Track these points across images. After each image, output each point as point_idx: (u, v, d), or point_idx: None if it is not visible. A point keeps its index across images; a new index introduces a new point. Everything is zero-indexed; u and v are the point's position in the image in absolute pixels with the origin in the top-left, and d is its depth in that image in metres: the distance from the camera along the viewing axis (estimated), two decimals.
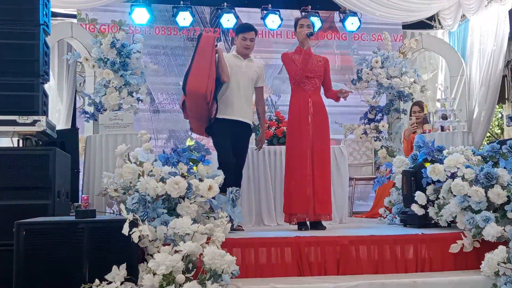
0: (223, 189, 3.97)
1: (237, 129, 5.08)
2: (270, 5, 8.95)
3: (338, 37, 9.67)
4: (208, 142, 5.29)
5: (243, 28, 5.26)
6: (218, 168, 4.51)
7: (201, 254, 3.23)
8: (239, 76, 5.13)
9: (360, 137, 8.05)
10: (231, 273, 3.27)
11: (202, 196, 3.69)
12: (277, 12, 8.95)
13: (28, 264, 3.20)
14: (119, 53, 6.56)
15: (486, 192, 4.00)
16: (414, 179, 4.79)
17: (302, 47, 5.15)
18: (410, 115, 7.28)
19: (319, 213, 5.02)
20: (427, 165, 4.65)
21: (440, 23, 9.70)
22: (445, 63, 9.39)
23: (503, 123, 10.13)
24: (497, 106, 9.35)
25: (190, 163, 4.00)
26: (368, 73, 8.08)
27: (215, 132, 5.05)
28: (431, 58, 9.79)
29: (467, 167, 4.26)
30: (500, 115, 12.55)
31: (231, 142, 5.00)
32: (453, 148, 4.73)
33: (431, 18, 9.67)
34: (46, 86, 4.53)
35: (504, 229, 3.82)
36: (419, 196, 4.61)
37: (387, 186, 5.95)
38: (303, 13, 8.84)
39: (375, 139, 8.03)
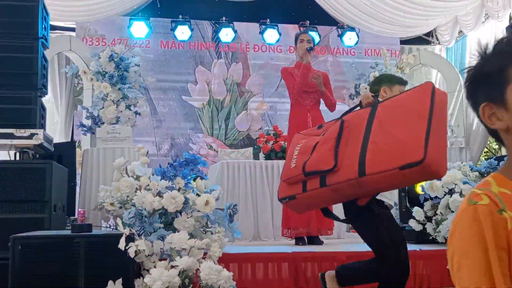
0: None
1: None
2: (268, 20, 9.01)
3: (338, 52, 9.73)
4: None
5: (402, 82, 3.56)
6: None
7: (198, 269, 3.22)
8: None
9: None
10: None
11: (199, 211, 3.68)
12: (276, 27, 9.01)
13: (23, 279, 3.18)
14: (118, 67, 6.57)
15: None
16: (405, 194, 4.78)
17: (301, 62, 5.17)
18: None
19: (320, 227, 5.01)
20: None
21: (437, 39, 9.76)
22: (439, 79, 9.44)
23: None
24: None
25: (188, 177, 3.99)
26: (366, 88, 8.10)
27: (381, 214, 3.18)
28: (428, 74, 9.83)
29: (464, 183, 4.26)
30: None
31: None
32: (450, 164, 4.73)
33: (429, 33, 9.73)
34: (44, 99, 4.53)
35: None
36: (417, 212, 4.60)
37: None
38: (303, 28, 8.89)
39: None
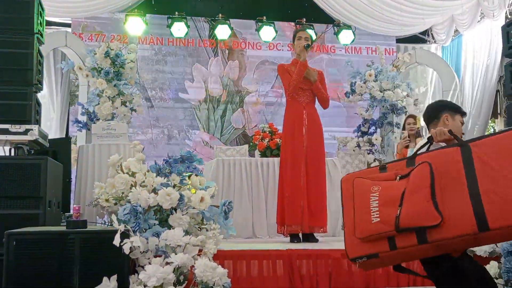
0: None
1: None
2: (264, 17, 9.00)
3: (333, 50, 9.74)
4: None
5: (463, 112, 3.36)
6: None
7: (193, 266, 3.22)
8: None
9: (354, 150, 8.06)
10: (223, 285, 3.25)
11: (194, 208, 3.67)
12: (272, 24, 9.00)
13: (18, 275, 3.17)
14: (113, 63, 6.56)
15: None
16: None
17: (298, 59, 5.17)
18: (404, 128, 7.28)
19: (312, 225, 5.01)
20: None
21: (433, 38, 9.78)
22: (435, 78, 9.46)
23: None
24: (489, 121, 9.40)
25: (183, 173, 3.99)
26: (361, 86, 8.11)
27: (470, 272, 2.77)
28: (424, 72, 9.84)
29: None
30: (492, 130, 12.61)
31: None
32: None
33: (425, 32, 9.75)
34: (39, 94, 4.52)
35: (495, 245, 3.81)
36: None
37: None
38: (299, 26, 8.89)
39: (368, 152, 8.04)
